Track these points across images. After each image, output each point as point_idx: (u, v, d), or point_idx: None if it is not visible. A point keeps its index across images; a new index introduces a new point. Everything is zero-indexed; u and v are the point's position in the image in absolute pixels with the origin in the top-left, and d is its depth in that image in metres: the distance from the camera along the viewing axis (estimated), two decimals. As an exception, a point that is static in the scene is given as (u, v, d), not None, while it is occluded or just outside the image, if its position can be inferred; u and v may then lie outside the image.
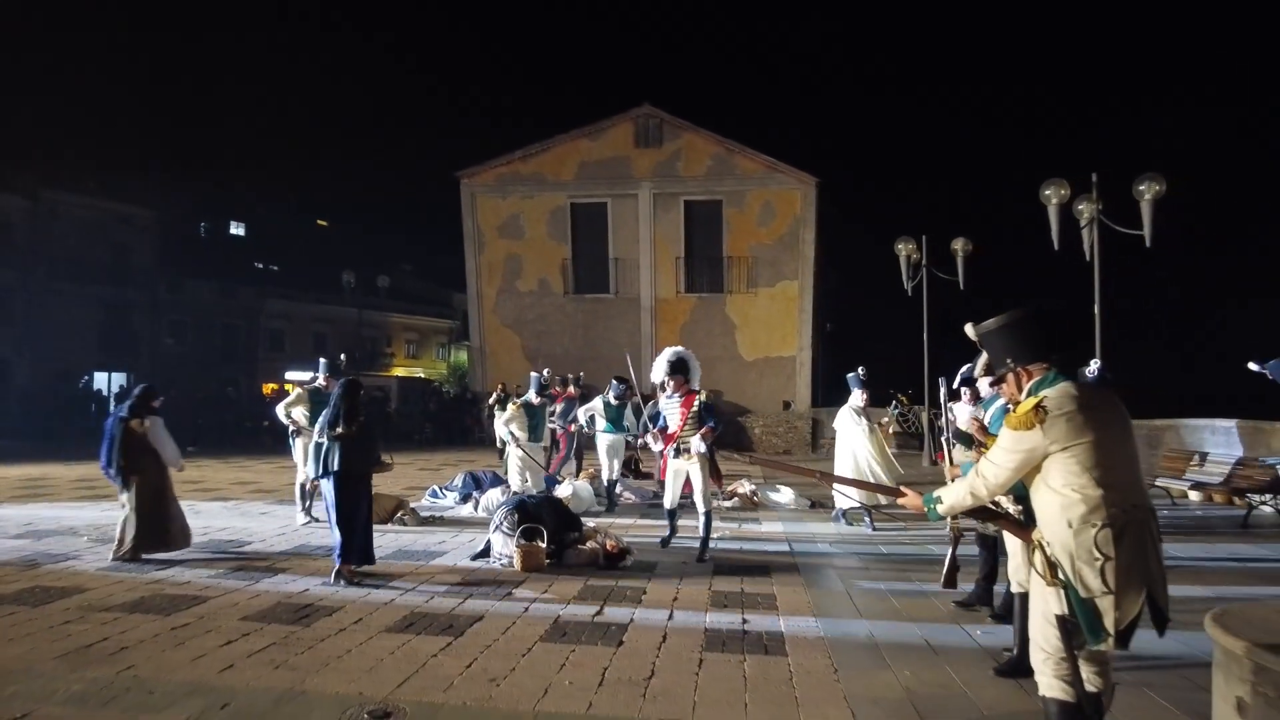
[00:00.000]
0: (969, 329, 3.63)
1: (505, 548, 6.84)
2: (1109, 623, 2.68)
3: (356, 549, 6.19)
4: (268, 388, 34.76)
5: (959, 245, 17.39)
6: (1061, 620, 2.76)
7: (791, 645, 4.72)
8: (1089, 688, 2.83)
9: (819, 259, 23.34)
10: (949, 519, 3.65)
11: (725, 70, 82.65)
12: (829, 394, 24.50)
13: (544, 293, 23.67)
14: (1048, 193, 13.57)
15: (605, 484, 10.27)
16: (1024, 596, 3.91)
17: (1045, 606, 2.81)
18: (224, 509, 9.90)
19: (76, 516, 9.20)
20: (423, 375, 41.60)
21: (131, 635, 4.75)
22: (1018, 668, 4.01)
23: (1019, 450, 2.80)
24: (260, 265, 44.78)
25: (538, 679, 4.12)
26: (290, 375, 39.83)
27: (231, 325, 38.21)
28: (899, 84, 79.29)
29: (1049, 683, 2.84)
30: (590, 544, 6.98)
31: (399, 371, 42.64)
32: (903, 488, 3.42)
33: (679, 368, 7.42)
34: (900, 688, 4.06)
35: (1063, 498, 2.75)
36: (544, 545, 6.71)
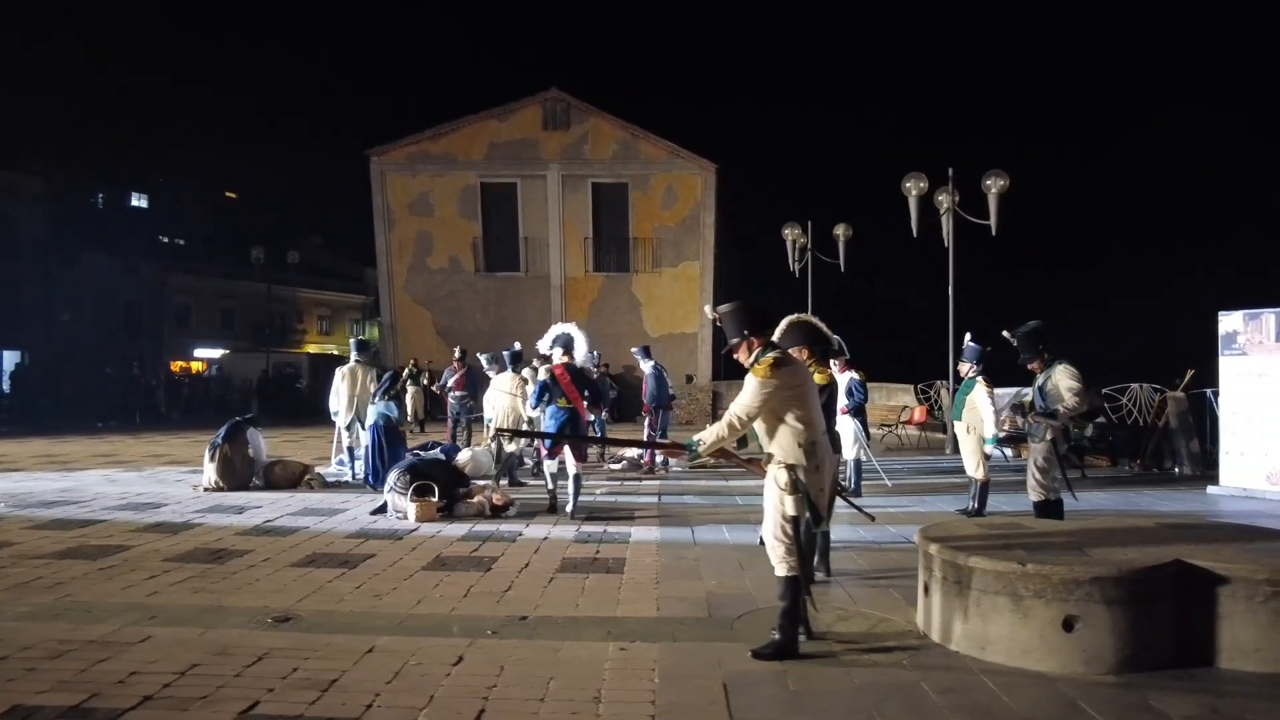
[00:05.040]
0: (707, 310, 4.83)
1: (400, 504, 7.76)
2: (821, 509, 4.02)
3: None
4: (176, 365, 34.19)
5: (840, 230, 18.92)
6: (795, 520, 3.96)
7: (629, 567, 5.86)
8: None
9: (718, 241, 24.66)
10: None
11: (630, 56, 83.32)
12: (728, 368, 25.99)
13: (454, 270, 24.26)
14: (908, 184, 15.10)
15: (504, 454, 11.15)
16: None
17: (782, 510, 3.97)
18: (139, 477, 10.47)
19: (-11, 487, 9.64)
20: (336, 352, 41.33)
21: (64, 574, 5.53)
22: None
23: (764, 392, 3.94)
24: (165, 239, 43.40)
25: (415, 594, 5.13)
26: (199, 353, 39.11)
27: (134, 301, 37.11)
28: (794, 78, 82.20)
29: (788, 565, 3.99)
30: (479, 497, 7.98)
31: (311, 348, 42.25)
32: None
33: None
34: (704, 591, 5.24)
35: (793, 428, 3.96)
36: (435, 500, 7.67)
